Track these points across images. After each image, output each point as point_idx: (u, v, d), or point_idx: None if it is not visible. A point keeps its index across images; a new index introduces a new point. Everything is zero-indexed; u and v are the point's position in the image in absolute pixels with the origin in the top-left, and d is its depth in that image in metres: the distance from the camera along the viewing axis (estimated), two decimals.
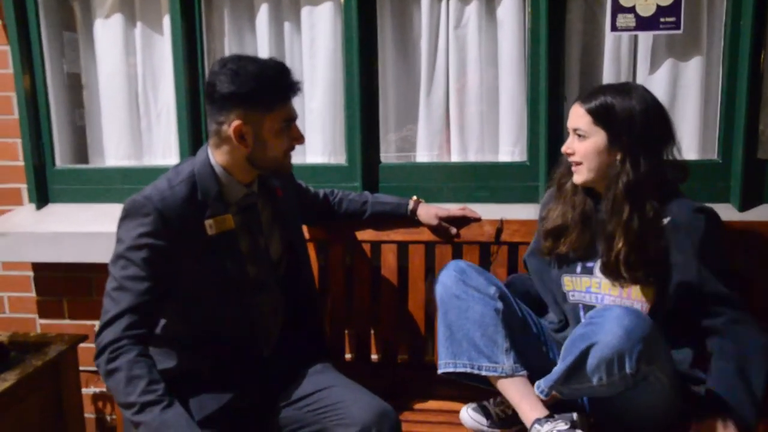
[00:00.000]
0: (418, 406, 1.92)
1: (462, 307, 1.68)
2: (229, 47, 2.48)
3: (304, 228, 2.14)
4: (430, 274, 2.08)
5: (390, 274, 2.16)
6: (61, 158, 2.63)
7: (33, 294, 2.67)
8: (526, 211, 2.14)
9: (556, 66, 2.19)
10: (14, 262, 2.65)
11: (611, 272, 1.67)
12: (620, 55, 2.25)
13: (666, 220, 1.62)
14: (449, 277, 1.72)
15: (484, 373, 1.65)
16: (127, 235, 1.54)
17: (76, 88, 2.67)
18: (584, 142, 1.67)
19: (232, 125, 1.56)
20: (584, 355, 1.45)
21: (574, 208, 1.75)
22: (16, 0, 2.41)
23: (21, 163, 2.59)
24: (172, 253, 1.55)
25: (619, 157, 1.63)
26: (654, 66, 2.25)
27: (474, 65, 2.35)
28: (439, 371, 1.71)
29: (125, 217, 1.56)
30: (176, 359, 1.66)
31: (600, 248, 1.70)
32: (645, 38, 2.24)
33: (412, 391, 1.99)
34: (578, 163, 1.69)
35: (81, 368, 2.37)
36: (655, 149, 1.64)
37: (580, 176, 1.70)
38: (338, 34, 2.34)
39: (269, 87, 1.56)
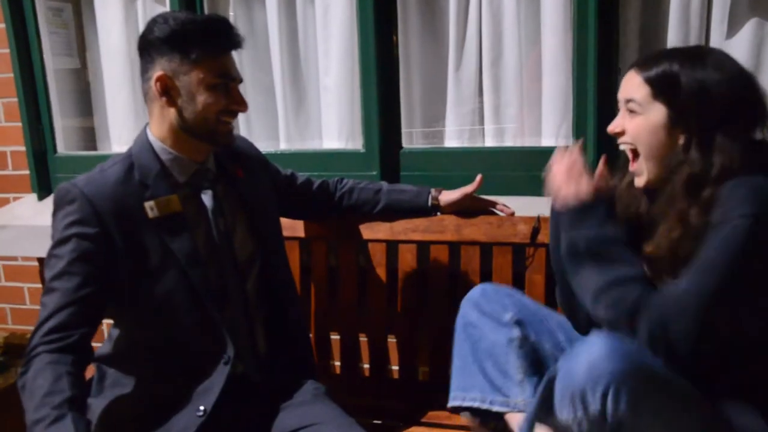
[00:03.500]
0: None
1: (475, 337, 1.53)
2: (235, 17, 2.22)
3: (299, 224, 1.87)
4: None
5: (408, 278, 1.86)
6: (67, 145, 2.46)
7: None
8: None
9: (607, 30, 1.81)
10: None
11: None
12: (689, 15, 1.84)
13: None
14: (466, 304, 1.58)
15: (495, 408, 1.45)
16: (55, 229, 1.34)
17: (79, 71, 2.49)
18: (637, 119, 1.29)
19: (154, 77, 1.36)
20: (550, 387, 1.20)
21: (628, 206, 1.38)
22: None
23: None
24: (106, 241, 1.33)
25: (682, 140, 1.25)
26: (733, 28, 1.84)
27: (511, 32, 1.99)
28: (449, 404, 1.52)
29: (54, 210, 1.36)
30: (135, 380, 1.42)
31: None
32: None
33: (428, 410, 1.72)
34: (631, 148, 1.32)
35: None
36: (737, 130, 1.23)
37: (641, 178, 1.32)
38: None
39: (198, 33, 1.36)
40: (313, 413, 1.42)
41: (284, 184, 1.76)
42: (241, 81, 1.46)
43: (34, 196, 2.43)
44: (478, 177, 1.77)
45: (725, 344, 1.20)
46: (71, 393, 1.21)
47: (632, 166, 1.33)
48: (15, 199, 2.55)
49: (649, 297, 1.19)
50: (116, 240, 1.34)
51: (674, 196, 1.25)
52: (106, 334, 1.53)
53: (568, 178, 1.37)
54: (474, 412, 1.49)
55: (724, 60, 1.27)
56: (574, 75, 1.88)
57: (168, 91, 1.37)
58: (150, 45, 1.37)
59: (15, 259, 2.59)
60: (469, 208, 1.78)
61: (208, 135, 1.42)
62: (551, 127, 2.00)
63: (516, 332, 1.49)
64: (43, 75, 2.36)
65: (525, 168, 1.97)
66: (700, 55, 1.27)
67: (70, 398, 1.20)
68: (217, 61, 1.39)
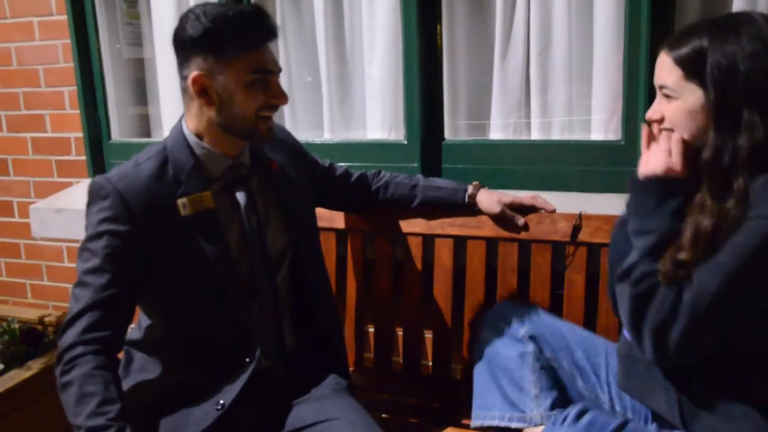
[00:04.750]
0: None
1: (491, 354, 1.51)
2: (282, 7, 2.21)
3: (337, 215, 1.85)
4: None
5: (444, 274, 1.81)
6: (121, 132, 2.52)
7: None
8: (614, 204, 1.68)
9: (662, 17, 1.69)
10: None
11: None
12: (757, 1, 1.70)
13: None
14: (485, 322, 1.59)
15: (514, 425, 1.40)
16: (88, 222, 1.34)
17: (133, 62, 2.56)
18: (674, 103, 1.19)
19: (190, 77, 1.32)
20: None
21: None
22: None
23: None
24: (138, 239, 1.32)
25: (712, 122, 1.13)
26: None
27: (561, 20, 1.90)
28: (471, 425, 1.52)
29: (88, 202, 1.36)
30: (161, 368, 1.44)
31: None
32: None
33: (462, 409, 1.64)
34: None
35: None
36: None
37: None
38: None
39: (230, 29, 1.30)
40: (331, 408, 1.39)
41: (322, 175, 1.74)
42: (280, 72, 1.41)
43: (90, 181, 2.51)
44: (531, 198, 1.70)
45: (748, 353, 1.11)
46: (122, 403, 1.23)
47: None
48: (77, 183, 2.65)
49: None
50: (148, 237, 1.33)
51: (713, 185, 1.13)
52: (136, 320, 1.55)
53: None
54: (495, 430, 1.46)
55: (763, 28, 1.12)
56: (625, 67, 1.77)
57: (206, 90, 1.34)
58: (183, 44, 1.33)
59: (76, 241, 2.70)
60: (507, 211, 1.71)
61: (248, 133, 1.39)
62: (601, 120, 1.89)
63: (530, 347, 1.46)
64: (99, 64, 2.42)
65: (571, 162, 1.88)
66: (733, 24, 1.13)
67: (122, 409, 1.22)
68: (253, 56, 1.33)
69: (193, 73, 1.32)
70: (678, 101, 1.18)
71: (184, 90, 1.37)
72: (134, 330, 1.53)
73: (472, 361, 1.61)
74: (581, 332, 1.53)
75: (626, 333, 1.29)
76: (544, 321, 1.52)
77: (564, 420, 1.31)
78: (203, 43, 1.30)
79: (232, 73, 1.32)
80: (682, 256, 1.11)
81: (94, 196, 1.34)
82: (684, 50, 1.15)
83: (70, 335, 1.27)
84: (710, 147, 1.12)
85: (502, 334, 1.52)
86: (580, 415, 1.30)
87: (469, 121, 2.07)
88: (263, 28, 1.34)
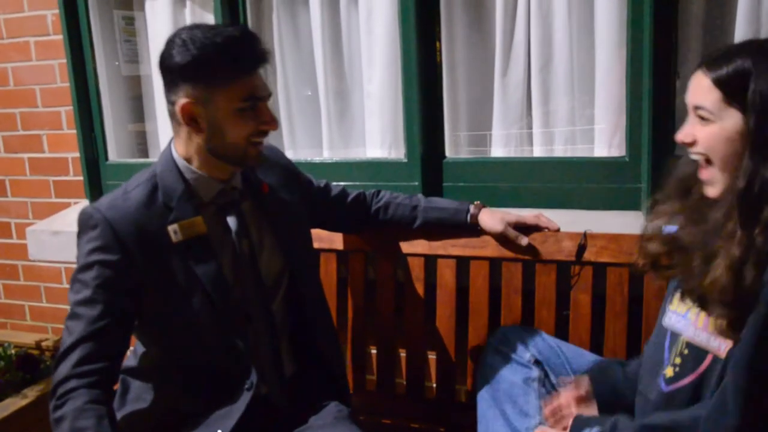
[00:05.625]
0: None
1: (495, 379, 1.48)
2: (279, 24, 2.19)
3: (338, 236, 1.82)
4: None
5: (447, 294, 1.77)
6: (118, 153, 2.50)
7: None
8: (619, 222, 1.66)
9: (665, 30, 1.66)
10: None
11: (695, 297, 1.18)
12: (760, 13, 1.66)
13: None
14: (488, 346, 1.56)
15: None
16: (79, 253, 1.32)
17: (132, 80, 2.53)
18: (709, 127, 1.12)
19: (178, 105, 1.29)
20: None
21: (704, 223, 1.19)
22: None
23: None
24: (129, 268, 1.29)
25: (749, 149, 1.07)
26: None
27: (561, 35, 1.87)
28: None
29: (78, 233, 1.34)
30: (158, 396, 1.41)
31: (693, 264, 1.17)
32: None
33: None
34: (707, 161, 1.15)
35: None
36: None
37: (713, 188, 1.16)
38: (396, 4, 1.96)
39: (219, 57, 1.26)
40: None
41: (317, 195, 1.70)
42: (270, 97, 1.37)
43: (87, 203, 2.48)
44: (534, 217, 1.68)
45: None
46: None
47: (703, 174, 1.17)
48: (75, 203, 2.62)
49: None
50: (139, 265, 1.30)
51: (733, 210, 1.08)
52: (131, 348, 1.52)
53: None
54: None
55: None
56: (628, 80, 1.74)
57: (195, 118, 1.31)
58: (171, 70, 1.30)
59: (74, 262, 2.67)
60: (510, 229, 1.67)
61: (238, 159, 1.37)
62: (603, 131, 1.86)
63: (535, 372, 1.44)
64: (96, 83, 2.40)
65: (575, 180, 1.84)
66: None
67: None
68: (243, 83, 1.30)
69: (182, 101, 1.29)
70: (715, 125, 1.12)
71: (172, 115, 1.34)
72: (130, 357, 1.50)
73: (476, 385, 1.57)
74: (588, 357, 1.50)
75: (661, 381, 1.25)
76: (549, 345, 1.49)
77: None
78: (191, 72, 1.27)
79: (222, 101, 1.29)
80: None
81: (83, 226, 1.32)
82: (725, 72, 1.09)
83: (64, 368, 1.24)
84: (744, 175, 1.07)
85: (506, 358, 1.49)
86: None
87: (471, 139, 2.04)
88: (253, 55, 1.31)
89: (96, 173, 2.46)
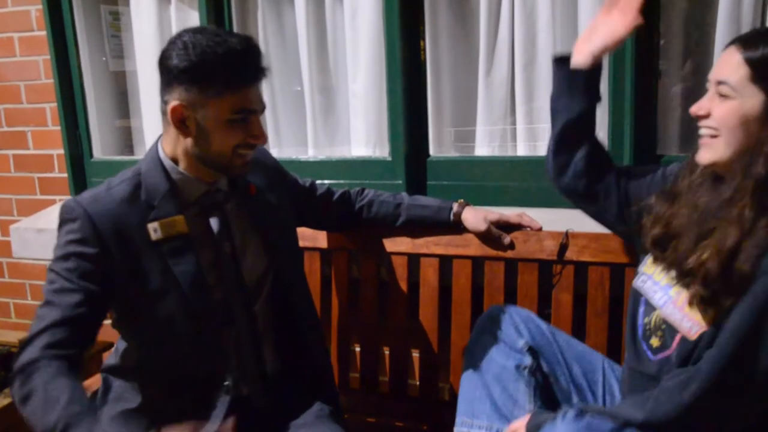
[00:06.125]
0: None
1: (485, 360, 1.43)
2: (264, 23, 2.18)
3: (321, 234, 1.82)
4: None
5: (430, 293, 1.78)
6: (104, 149, 2.49)
7: None
8: None
9: (646, 30, 1.65)
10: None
11: (679, 274, 1.19)
12: (741, 12, 1.67)
13: None
14: (479, 326, 1.51)
15: None
16: (57, 243, 1.31)
17: (118, 75, 2.52)
18: (727, 103, 1.13)
19: (170, 105, 1.28)
20: None
21: (696, 207, 1.21)
22: None
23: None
24: (105, 262, 1.29)
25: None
26: None
27: (545, 34, 1.87)
28: (455, 430, 1.43)
29: (58, 224, 1.33)
30: (139, 396, 1.40)
31: (684, 238, 1.19)
32: None
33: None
34: (712, 134, 1.16)
35: None
36: None
37: (709, 152, 1.17)
38: (380, 2, 1.96)
39: (218, 66, 1.24)
40: None
41: (302, 195, 1.70)
42: (263, 110, 1.36)
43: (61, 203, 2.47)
44: (517, 216, 1.68)
45: None
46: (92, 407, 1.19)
47: (703, 140, 1.18)
48: (60, 201, 2.61)
49: None
50: (116, 261, 1.30)
51: (739, 193, 1.09)
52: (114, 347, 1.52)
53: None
54: None
55: None
56: (610, 79, 1.74)
57: (183, 121, 1.30)
58: (168, 70, 1.28)
59: None
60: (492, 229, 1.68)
61: (223, 167, 1.36)
62: None
63: (528, 360, 1.40)
64: (80, 80, 2.38)
65: None
66: None
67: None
68: (238, 95, 1.28)
69: (173, 103, 1.28)
70: (734, 102, 1.12)
71: (164, 113, 1.33)
72: (111, 356, 1.50)
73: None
74: (578, 346, 1.49)
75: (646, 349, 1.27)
76: (543, 333, 1.46)
77: (564, 416, 1.26)
78: (187, 77, 1.26)
79: (214, 110, 1.27)
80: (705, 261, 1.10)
81: (64, 218, 1.32)
82: (759, 52, 1.11)
83: (30, 351, 1.21)
84: (765, 159, 1.08)
85: (497, 340, 1.45)
86: (580, 413, 1.25)
87: (455, 137, 2.04)
88: (252, 71, 1.29)
89: (81, 170, 2.45)
